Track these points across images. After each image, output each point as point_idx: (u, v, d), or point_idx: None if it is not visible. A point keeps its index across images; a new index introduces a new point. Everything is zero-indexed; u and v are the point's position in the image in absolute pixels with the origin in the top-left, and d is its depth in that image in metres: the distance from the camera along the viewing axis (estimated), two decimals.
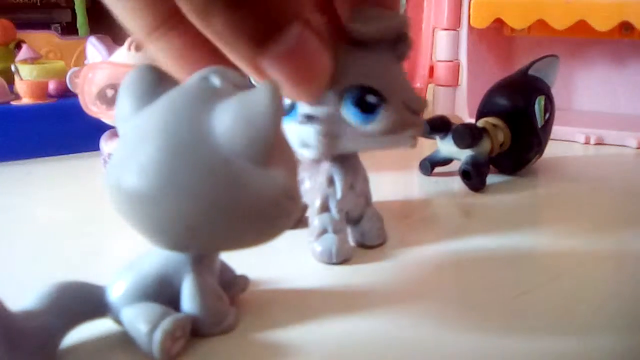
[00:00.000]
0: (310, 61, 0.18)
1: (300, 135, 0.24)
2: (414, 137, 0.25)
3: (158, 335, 0.18)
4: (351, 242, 0.28)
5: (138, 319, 0.19)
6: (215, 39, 0.16)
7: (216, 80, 0.18)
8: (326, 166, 0.27)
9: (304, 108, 0.24)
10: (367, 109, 0.23)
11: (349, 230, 0.28)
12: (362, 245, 0.28)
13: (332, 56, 0.19)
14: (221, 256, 0.21)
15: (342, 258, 0.27)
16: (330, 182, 0.27)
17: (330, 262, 0.26)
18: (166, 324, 0.18)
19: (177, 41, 0.18)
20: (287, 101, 0.24)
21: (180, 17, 0.16)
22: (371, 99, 0.23)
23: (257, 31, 0.16)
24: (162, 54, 0.18)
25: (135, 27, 0.18)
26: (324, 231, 0.27)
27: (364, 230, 0.28)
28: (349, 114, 0.23)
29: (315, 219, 0.27)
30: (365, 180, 0.28)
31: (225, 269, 0.22)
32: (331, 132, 0.23)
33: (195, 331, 0.20)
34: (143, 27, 0.18)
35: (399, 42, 0.23)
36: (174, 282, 0.19)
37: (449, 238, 0.30)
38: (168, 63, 0.19)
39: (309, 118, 0.23)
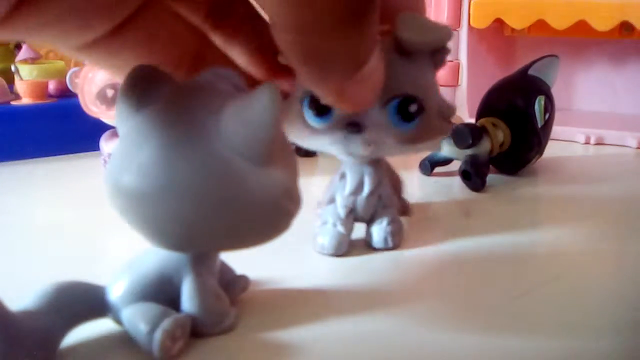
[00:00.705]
0: (380, 75, 0.17)
1: (347, 144, 0.24)
2: (440, 142, 0.26)
3: (158, 335, 0.18)
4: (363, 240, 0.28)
5: (138, 319, 0.19)
6: (312, 74, 0.15)
7: (216, 81, 0.18)
8: (352, 161, 0.27)
9: (346, 116, 0.23)
10: (407, 118, 0.23)
11: (362, 228, 0.28)
12: (369, 245, 0.28)
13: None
14: (221, 256, 0.21)
15: (333, 252, 0.27)
16: (343, 176, 0.27)
17: (322, 253, 0.27)
18: (166, 324, 0.18)
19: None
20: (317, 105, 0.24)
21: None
22: (413, 108, 0.23)
23: (356, 59, 0.15)
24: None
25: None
26: (325, 222, 0.27)
27: (371, 232, 0.28)
28: (391, 120, 0.23)
29: (322, 210, 0.28)
30: (385, 184, 0.28)
31: (225, 269, 0.22)
32: (377, 139, 0.24)
33: (195, 331, 0.20)
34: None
35: (439, 51, 0.24)
36: (174, 282, 0.19)
37: (449, 238, 0.30)
38: None
39: (355, 126, 0.23)
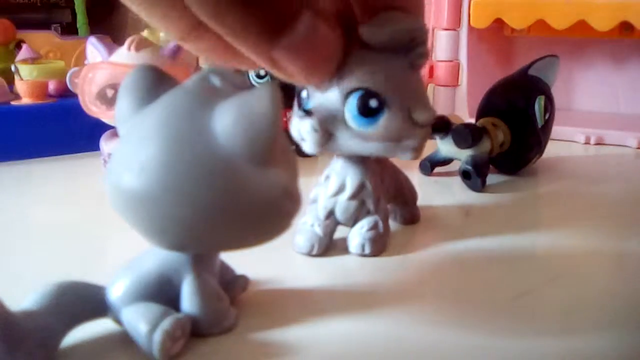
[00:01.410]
0: (320, 48, 0.18)
1: (299, 128, 0.24)
2: (416, 150, 0.24)
3: (158, 335, 0.18)
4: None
5: (138, 319, 0.19)
6: (230, 37, 0.16)
7: (216, 80, 0.18)
8: (338, 163, 0.27)
9: (306, 104, 0.24)
10: (368, 113, 0.23)
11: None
12: (348, 250, 0.27)
13: (341, 42, 0.19)
14: (221, 256, 0.21)
15: (306, 252, 0.27)
16: (327, 177, 0.27)
17: (298, 252, 0.27)
18: (166, 324, 0.18)
19: (207, 44, 0.18)
20: (304, 97, 0.25)
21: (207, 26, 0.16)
22: (373, 103, 0.23)
23: (269, 25, 0.16)
24: (198, 53, 0.19)
25: (169, 34, 0.18)
26: (305, 222, 0.27)
27: (350, 235, 0.27)
28: (350, 115, 0.23)
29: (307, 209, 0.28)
30: (370, 189, 0.27)
31: (226, 269, 0.22)
32: (326, 128, 0.24)
33: (195, 331, 0.20)
34: (176, 34, 0.18)
35: (412, 48, 0.23)
36: (174, 282, 0.19)
37: (449, 238, 0.30)
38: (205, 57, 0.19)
39: (307, 113, 0.24)
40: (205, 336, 0.20)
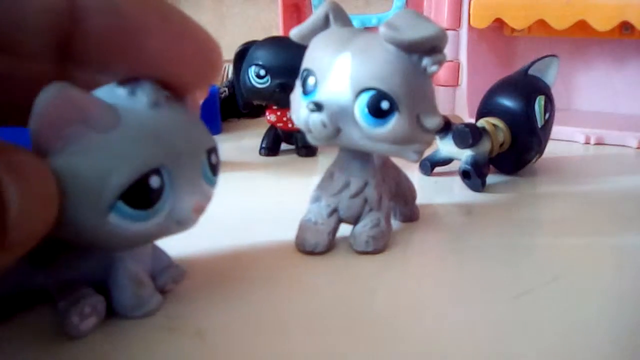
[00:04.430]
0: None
1: (306, 120, 0.24)
2: (420, 153, 0.25)
3: (68, 312, 0.19)
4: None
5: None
6: None
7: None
8: (341, 159, 0.27)
9: (316, 96, 0.24)
10: (378, 114, 0.23)
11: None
12: (352, 247, 0.28)
13: None
14: (158, 243, 0.22)
15: (310, 249, 0.27)
16: (330, 175, 0.27)
17: (301, 250, 0.27)
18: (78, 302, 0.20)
19: None
20: (310, 84, 0.25)
21: None
22: (385, 105, 0.23)
23: None
24: None
25: None
26: (308, 220, 0.27)
27: (354, 233, 0.27)
28: (360, 114, 0.23)
29: (308, 207, 0.28)
30: (374, 187, 0.27)
31: (160, 258, 0.23)
32: (334, 124, 0.24)
33: (117, 313, 0.21)
34: None
35: (430, 54, 0.23)
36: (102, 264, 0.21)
37: (448, 238, 0.30)
38: None
39: (317, 106, 0.24)
40: (127, 318, 0.21)
